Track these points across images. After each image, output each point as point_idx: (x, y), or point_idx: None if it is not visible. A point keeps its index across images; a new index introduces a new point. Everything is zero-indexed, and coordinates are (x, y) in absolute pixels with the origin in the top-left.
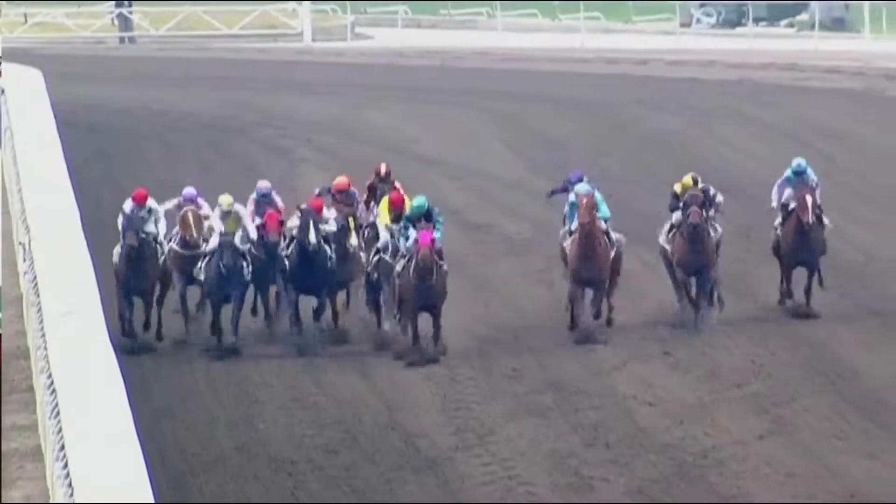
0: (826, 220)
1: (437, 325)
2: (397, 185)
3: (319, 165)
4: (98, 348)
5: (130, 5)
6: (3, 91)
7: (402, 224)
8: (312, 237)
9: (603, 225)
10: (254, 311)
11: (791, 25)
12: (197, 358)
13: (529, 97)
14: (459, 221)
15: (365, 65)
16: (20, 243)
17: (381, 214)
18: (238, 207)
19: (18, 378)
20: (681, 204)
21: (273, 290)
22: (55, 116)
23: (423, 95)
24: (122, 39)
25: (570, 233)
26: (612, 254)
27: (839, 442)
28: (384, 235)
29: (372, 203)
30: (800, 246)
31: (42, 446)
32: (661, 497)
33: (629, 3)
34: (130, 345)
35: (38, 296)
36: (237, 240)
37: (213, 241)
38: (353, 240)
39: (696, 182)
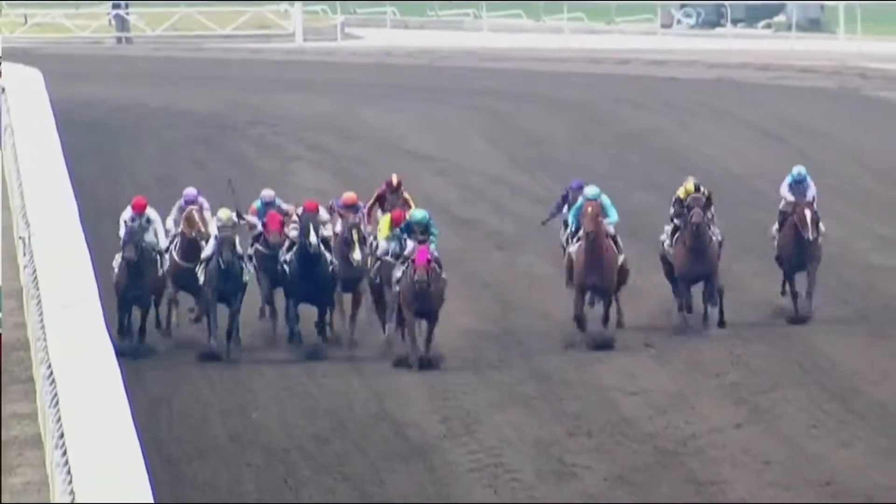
0: (821, 226)
1: (431, 329)
2: (407, 195)
3: (311, 162)
4: (96, 339)
5: (127, 6)
6: (3, 90)
7: (400, 230)
8: (313, 238)
9: (611, 230)
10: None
11: (768, 26)
12: (191, 348)
13: (514, 95)
14: (446, 216)
15: (355, 64)
16: (20, 238)
17: (382, 229)
18: (236, 220)
19: (19, 368)
20: (684, 209)
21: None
22: (54, 114)
23: (411, 94)
24: (119, 39)
25: (575, 236)
26: (620, 261)
27: (815, 430)
28: (384, 245)
29: (377, 210)
30: (799, 254)
31: (42, 434)
32: (643, 483)
33: (611, 4)
34: (128, 349)
35: (38, 289)
36: (237, 244)
37: (211, 244)
38: (357, 254)
39: (697, 188)
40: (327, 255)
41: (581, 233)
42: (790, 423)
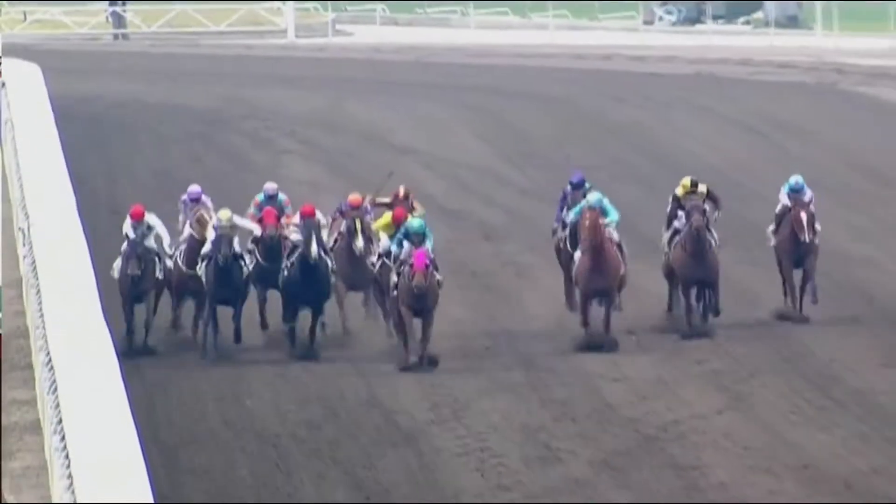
0: (817, 226)
1: (427, 328)
2: (416, 205)
3: (302, 155)
4: (93, 327)
5: (124, 4)
6: (3, 85)
7: (398, 234)
8: (314, 251)
9: (615, 236)
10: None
11: (747, 23)
12: (187, 338)
13: (500, 91)
14: (434, 208)
15: (345, 60)
16: (20, 229)
17: (382, 224)
18: (237, 220)
19: (18, 356)
20: (682, 212)
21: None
22: (53, 109)
23: (400, 89)
24: (116, 36)
25: (573, 239)
26: (623, 270)
27: (794, 416)
28: (385, 242)
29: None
30: (794, 246)
31: (41, 420)
32: (626, 468)
33: (595, 2)
34: (130, 349)
35: (37, 278)
36: (235, 243)
37: (209, 242)
38: (360, 242)
39: (695, 185)
40: (326, 259)
41: (581, 241)
42: (770, 410)
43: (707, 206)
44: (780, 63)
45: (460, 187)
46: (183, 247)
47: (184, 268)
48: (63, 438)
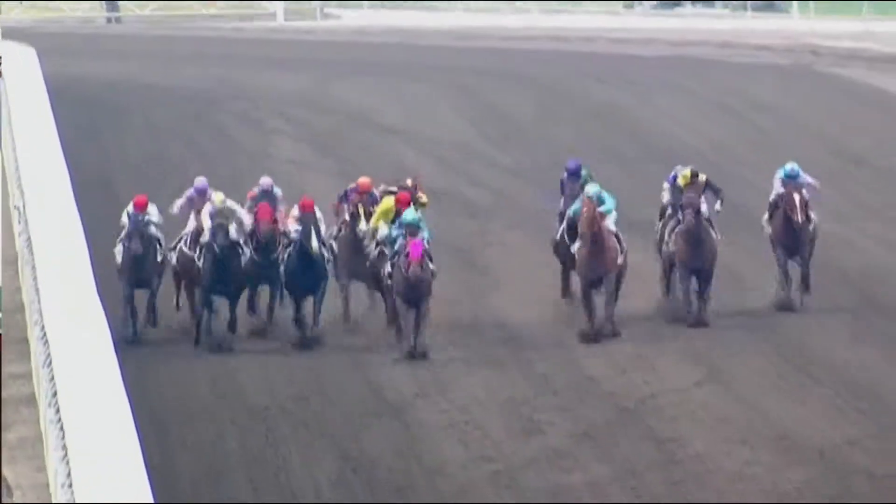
0: (813, 216)
1: (420, 319)
2: (422, 193)
3: (290, 136)
4: (88, 303)
5: None
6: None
7: (392, 226)
8: (315, 246)
9: (612, 227)
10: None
11: (726, 7)
12: (179, 315)
13: (484, 72)
14: None
15: (333, 42)
16: (16, 207)
17: (382, 209)
18: (230, 203)
19: (15, 330)
20: (680, 205)
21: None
22: (48, 90)
23: (386, 70)
24: (109, 19)
25: (571, 230)
26: (622, 259)
27: (769, 388)
28: (384, 229)
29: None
30: (788, 236)
31: (36, 393)
32: (605, 439)
33: None
34: (131, 337)
35: (33, 255)
36: (232, 231)
37: (206, 233)
38: (363, 225)
39: (695, 175)
40: (325, 252)
41: (580, 232)
42: (745, 382)
43: (706, 197)
44: (757, 45)
45: (445, 167)
46: (190, 230)
47: (188, 251)
48: (58, 411)
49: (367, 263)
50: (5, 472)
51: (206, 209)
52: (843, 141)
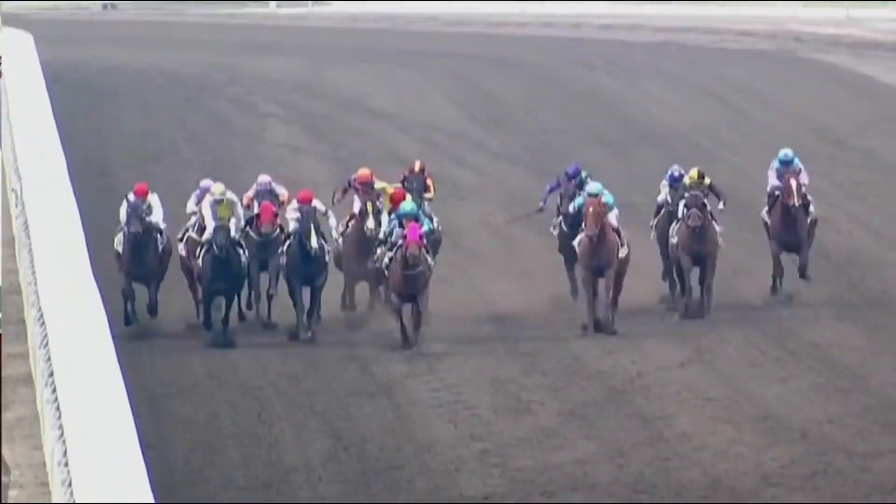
0: (812, 209)
1: (419, 312)
2: (430, 181)
3: (283, 119)
4: (83, 284)
5: None
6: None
7: (390, 219)
8: (314, 241)
9: (614, 222)
10: (248, 305)
11: None
12: (172, 295)
13: (473, 57)
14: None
15: (325, 28)
16: (13, 190)
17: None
18: (230, 195)
19: (12, 311)
20: (682, 202)
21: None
22: (44, 74)
23: (377, 56)
24: (104, 5)
25: (567, 220)
26: (623, 253)
27: (753, 369)
28: (386, 225)
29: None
30: (786, 231)
31: (32, 373)
32: (593, 418)
33: None
34: (131, 327)
35: (29, 237)
36: (232, 230)
37: (208, 231)
38: (370, 223)
39: (702, 176)
40: (323, 244)
41: (584, 227)
42: (729, 362)
43: (709, 199)
44: (741, 31)
45: (434, 149)
46: (193, 220)
47: (195, 236)
48: (54, 390)
49: (375, 262)
50: (3, 451)
51: (207, 200)
52: (824, 123)
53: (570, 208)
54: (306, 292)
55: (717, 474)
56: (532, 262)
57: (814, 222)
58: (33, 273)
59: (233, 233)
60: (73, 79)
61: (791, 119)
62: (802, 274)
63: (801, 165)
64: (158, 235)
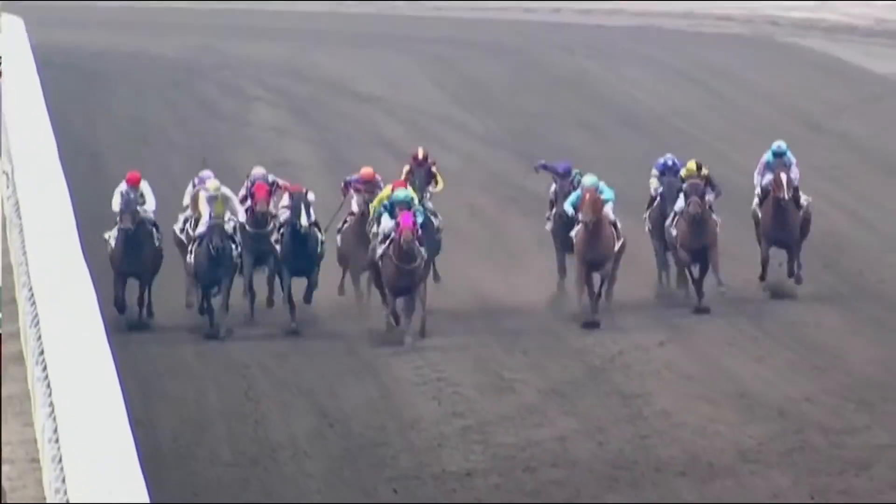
0: (804, 202)
1: (414, 307)
2: (435, 170)
3: (270, 103)
4: (74, 265)
5: None
6: None
7: (383, 207)
8: (304, 220)
9: (611, 216)
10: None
11: None
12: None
13: (457, 41)
14: (394, 152)
15: (311, 13)
16: (3, 172)
17: (382, 195)
18: (225, 190)
19: (3, 291)
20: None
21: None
22: (35, 58)
23: (363, 40)
24: None
25: (562, 213)
26: (619, 245)
27: (731, 347)
28: (385, 220)
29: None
30: (776, 226)
31: (23, 352)
32: (573, 396)
33: None
34: (125, 322)
35: (20, 218)
36: (228, 229)
37: (202, 226)
38: (375, 227)
39: (699, 168)
40: (317, 232)
41: (581, 217)
42: (707, 341)
43: (706, 190)
44: (718, 16)
45: (419, 132)
46: (190, 213)
47: (190, 231)
48: (45, 369)
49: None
50: None
51: (203, 196)
52: (800, 107)
53: (568, 204)
54: (298, 285)
55: (695, 451)
56: (515, 243)
57: (807, 220)
58: (24, 253)
59: (227, 228)
60: (64, 62)
61: (768, 102)
62: (791, 274)
63: (793, 159)
64: (154, 230)
